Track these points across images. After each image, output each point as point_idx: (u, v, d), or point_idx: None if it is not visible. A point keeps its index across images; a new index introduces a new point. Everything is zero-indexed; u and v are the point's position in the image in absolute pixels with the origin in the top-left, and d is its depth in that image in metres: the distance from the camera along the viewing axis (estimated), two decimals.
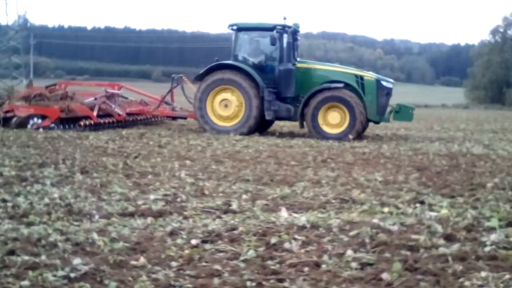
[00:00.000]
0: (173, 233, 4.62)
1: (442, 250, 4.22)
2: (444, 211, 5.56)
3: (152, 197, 5.97)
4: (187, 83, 17.03)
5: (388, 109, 15.06)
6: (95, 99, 15.29)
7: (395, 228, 4.85)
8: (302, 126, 14.60)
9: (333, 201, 6.05)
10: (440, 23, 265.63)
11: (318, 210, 5.55)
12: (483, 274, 3.69)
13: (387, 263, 3.88)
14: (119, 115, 15.38)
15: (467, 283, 3.56)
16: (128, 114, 16.06)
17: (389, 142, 13.33)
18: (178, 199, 5.94)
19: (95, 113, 14.59)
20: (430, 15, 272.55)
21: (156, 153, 9.80)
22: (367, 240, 4.41)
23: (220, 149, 10.66)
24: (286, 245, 4.33)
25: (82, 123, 14.01)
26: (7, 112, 14.40)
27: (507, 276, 3.66)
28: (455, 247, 4.31)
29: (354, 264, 3.89)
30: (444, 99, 63.29)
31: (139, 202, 5.74)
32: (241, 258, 4.03)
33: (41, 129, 13.42)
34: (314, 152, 10.50)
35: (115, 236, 4.47)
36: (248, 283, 3.54)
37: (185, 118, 16.99)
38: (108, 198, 5.92)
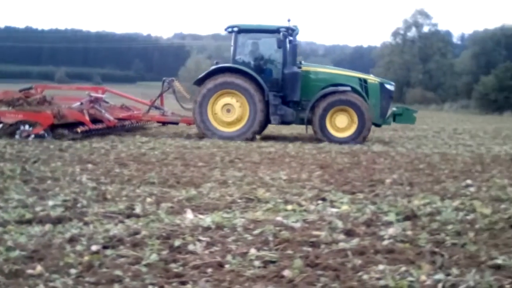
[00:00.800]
0: (72, 240, 4.44)
1: (342, 245, 4.34)
2: (344, 207, 5.74)
3: (51, 203, 5.71)
4: (178, 86, 16.05)
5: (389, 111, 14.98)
6: (81, 103, 13.84)
7: (297, 225, 4.94)
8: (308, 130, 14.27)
9: (239, 200, 6.06)
10: (344, 25, 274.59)
11: (223, 211, 5.54)
12: (380, 267, 3.83)
13: (289, 260, 3.93)
14: (109, 120, 14.02)
15: (365, 276, 3.67)
16: (118, 119, 14.75)
17: (295, 141, 13.57)
18: (79, 205, 5.72)
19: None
20: (333, 18, 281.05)
21: (56, 157, 9.40)
22: (270, 238, 4.46)
23: (124, 151, 10.41)
24: (190, 247, 4.28)
25: (79, 129, 12.69)
26: None
27: (403, 268, 3.82)
28: (355, 241, 4.45)
29: (257, 263, 3.91)
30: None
31: (37, 209, 5.47)
32: (143, 262, 3.94)
33: (31, 137, 12.07)
34: (222, 153, 10.50)
35: (11, 245, 4.24)
36: (150, 287, 3.48)
37: (177, 123, 15.81)
38: (5, 205, 5.60)
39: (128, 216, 5.32)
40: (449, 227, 5.04)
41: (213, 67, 14.36)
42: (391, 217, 5.34)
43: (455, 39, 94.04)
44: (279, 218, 5.14)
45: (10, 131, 12.27)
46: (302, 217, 5.25)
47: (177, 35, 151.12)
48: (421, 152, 12.02)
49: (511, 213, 5.73)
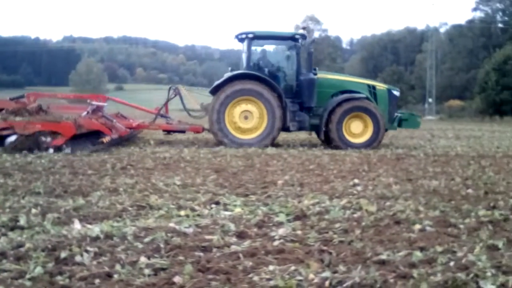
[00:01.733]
0: None
1: (234, 248, 4.35)
2: (237, 210, 5.77)
3: None
4: (185, 93, 15.73)
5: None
6: (88, 112, 12.92)
7: (190, 230, 4.89)
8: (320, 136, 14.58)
9: (130, 208, 5.91)
10: (238, 30, 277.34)
11: (113, 219, 5.38)
12: (271, 267, 3.88)
13: (180, 266, 3.88)
14: (121, 130, 13.24)
15: (256, 278, 3.70)
16: (129, 128, 14.14)
17: (191, 146, 13.50)
18: None
19: None
20: (228, 22, 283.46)
21: None
22: (161, 245, 4.38)
23: (9, 160, 9.84)
24: (77, 258, 4.10)
25: (105, 140, 12.11)
26: (2, 129, 11.74)
27: (293, 268, 3.88)
28: (246, 244, 4.48)
29: (147, 271, 3.82)
30: None
31: None
32: (28, 276, 3.73)
33: (51, 150, 11.26)
34: (114, 160, 10.22)
35: None
36: None
37: (183, 132, 15.22)
38: None
39: (12, 229, 5.01)
40: (337, 225, 5.22)
41: (230, 73, 14.35)
42: (282, 217, 5.43)
43: (345, 45, 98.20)
44: (171, 224, 5.06)
45: (27, 143, 11.38)
46: (195, 222, 5.21)
47: (67, 38, 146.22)
48: (312, 153, 12.38)
49: (396, 210, 6.02)
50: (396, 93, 15.51)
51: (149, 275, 3.76)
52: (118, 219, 5.41)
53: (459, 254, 4.35)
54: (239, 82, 13.96)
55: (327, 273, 3.76)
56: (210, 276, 3.73)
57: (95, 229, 4.87)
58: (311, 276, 3.72)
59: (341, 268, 3.92)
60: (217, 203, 6.20)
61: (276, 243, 4.56)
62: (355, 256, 4.27)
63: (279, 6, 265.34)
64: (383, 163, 10.82)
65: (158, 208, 5.90)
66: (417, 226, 5.28)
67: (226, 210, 5.84)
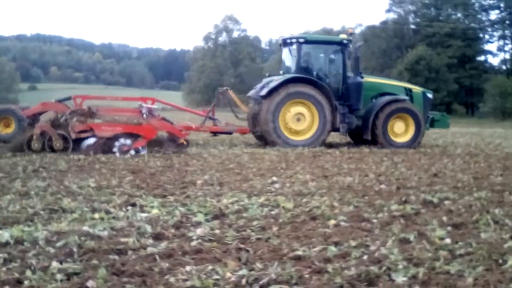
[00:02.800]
0: None
1: (150, 249, 4.28)
2: (154, 211, 5.68)
3: None
4: (232, 96, 16.07)
5: None
6: (143, 115, 12.38)
7: (105, 233, 4.77)
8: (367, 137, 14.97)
9: (42, 212, 5.68)
10: (157, 28, 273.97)
11: (24, 224, 5.15)
12: (188, 268, 3.84)
13: (94, 270, 3.77)
14: (181, 132, 12.73)
15: (172, 279, 3.65)
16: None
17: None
18: None
19: None
20: (146, 20, 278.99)
21: None
22: (75, 249, 4.23)
23: None
24: None
25: (184, 141, 12.35)
26: (81, 132, 11.63)
27: (210, 267, 3.86)
28: (163, 245, 4.42)
29: (59, 276, 3.68)
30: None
31: None
32: None
33: (132, 152, 11.36)
34: (25, 162, 9.81)
35: None
36: None
37: (231, 133, 15.55)
38: None
39: None
40: (255, 223, 5.25)
41: (282, 77, 14.81)
42: (200, 217, 5.41)
43: (264, 45, 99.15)
44: (85, 228, 4.90)
45: (106, 146, 11.53)
46: (110, 225, 5.08)
47: None
48: (232, 152, 12.42)
49: (312, 206, 6.15)
50: (430, 95, 16.43)
51: (61, 280, 3.63)
52: (29, 223, 5.19)
53: (372, 247, 4.49)
54: (293, 85, 14.48)
55: (244, 271, 3.78)
56: (125, 279, 3.64)
57: (5, 234, 4.65)
58: (228, 274, 3.72)
59: (258, 265, 3.94)
60: (133, 204, 6.08)
61: (193, 243, 4.52)
62: (272, 253, 4.31)
63: (198, 5, 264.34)
64: (301, 161, 11.02)
65: (71, 211, 5.71)
66: (332, 222, 5.41)
67: (142, 211, 5.74)
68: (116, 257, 4.12)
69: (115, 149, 11.48)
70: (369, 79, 15.95)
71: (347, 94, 15.16)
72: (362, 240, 4.70)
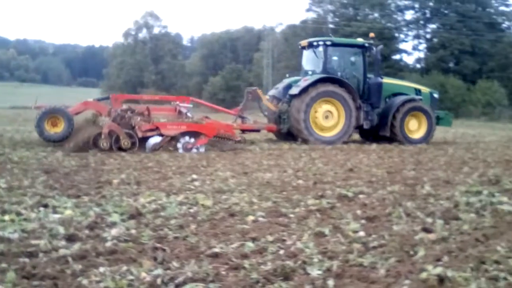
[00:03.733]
0: None
1: (62, 251, 4.15)
2: (68, 212, 5.51)
3: None
4: (261, 95, 16.62)
5: None
6: (186, 114, 13.62)
7: (15, 235, 4.57)
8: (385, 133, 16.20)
9: None
10: (74, 24, 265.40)
11: None
12: (101, 269, 3.75)
13: (2, 274, 3.61)
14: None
15: (85, 281, 3.56)
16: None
17: (18, 147, 12.55)
18: None
19: None
20: (64, 16, 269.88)
21: None
22: None
23: None
24: None
25: (241, 139, 13.49)
26: (147, 131, 12.12)
27: (125, 268, 3.79)
28: (76, 246, 4.29)
29: None
30: (82, 100, 63.47)
31: None
32: None
33: (194, 150, 12.15)
34: None
35: None
36: None
37: (259, 131, 16.33)
38: None
39: None
40: (172, 221, 5.20)
41: (312, 77, 15.71)
42: (115, 217, 5.28)
43: (185, 42, 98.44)
44: None
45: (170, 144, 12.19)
46: (21, 227, 4.87)
47: None
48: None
49: (231, 202, 6.17)
50: (436, 95, 17.93)
51: None
52: None
53: (289, 242, 4.57)
54: (322, 85, 15.48)
55: (159, 271, 3.73)
56: (36, 283, 3.52)
57: None
58: (143, 274, 3.66)
59: (175, 264, 3.91)
60: (46, 205, 5.85)
61: (108, 244, 4.42)
62: (189, 251, 4.29)
63: (118, 1, 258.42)
64: (221, 158, 11.02)
65: None
66: (251, 218, 5.46)
67: (55, 212, 5.53)
68: (27, 260, 3.96)
69: (179, 146, 12.17)
70: (387, 80, 17.27)
71: (368, 94, 16.48)
72: (279, 235, 4.77)
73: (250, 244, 4.47)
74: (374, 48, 16.59)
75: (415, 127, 16.39)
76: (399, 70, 62.15)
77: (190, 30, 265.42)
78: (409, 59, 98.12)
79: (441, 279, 3.70)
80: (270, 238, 4.66)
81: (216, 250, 4.30)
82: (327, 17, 69.45)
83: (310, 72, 16.71)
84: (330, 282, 3.65)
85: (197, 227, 5.05)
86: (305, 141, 15.06)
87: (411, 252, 4.39)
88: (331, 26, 67.26)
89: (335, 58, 16.75)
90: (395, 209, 5.97)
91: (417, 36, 67.19)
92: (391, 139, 15.98)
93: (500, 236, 5.06)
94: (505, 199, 6.81)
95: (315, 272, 3.86)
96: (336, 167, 9.74)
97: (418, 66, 66.03)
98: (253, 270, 3.82)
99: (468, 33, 59.53)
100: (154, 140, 12.15)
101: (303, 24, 68.05)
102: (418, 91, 17.33)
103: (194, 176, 8.22)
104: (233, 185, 7.39)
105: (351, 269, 3.97)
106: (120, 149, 11.72)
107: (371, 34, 17.43)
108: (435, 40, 63.49)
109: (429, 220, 5.51)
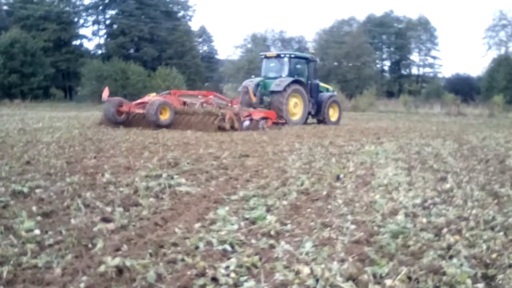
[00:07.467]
0: None
1: None
2: None
3: None
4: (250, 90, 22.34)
5: None
6: (227, 104, 19.91)
7: None
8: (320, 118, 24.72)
9: None
10: None
11: None
12: None
13: None
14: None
15: None
16: None
17: None
18: None
19: None
20: None
21: None
22: None
23: None
24: None
25: (283, 121, 21.43)
26: (246, 116, 18.45)
27: None
28: None
29: None
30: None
31: None
32: None
33: (266, 128, 18.73)
34: None
35: None
36: None
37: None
38: None
39: None
40: None
41: (287, 79, 22.68)
42: None
43: None
44: None
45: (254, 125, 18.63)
46: None
47: None
48: None
49: None
50: (335, 92, 27.87)
51: None
52: None
53: None
54: (293, 85, 22.80)
55: None
56: None
57: None
58: None
59: None
60: None
61: None
62: None
63: None
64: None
65: None
66: None
67: None
68: None
69: (260, 126, 18.68)
70: (319, 83, 25.38)
71: (311, 91, 23.98)
72: None
73: None
74: (317, 60, 25.75)
75: (332, 113, 24.76)
76: (80, 56, 61.16)
77: None
78: (90, 45, 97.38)
79: (120, 270, 3.66)
80: None
81: None
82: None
83: (278, 76, 23.22)
84: None
85: None
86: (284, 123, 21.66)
87: (90, 245, 4.26)
88: (5, 8, 62.32)
89: (298, 66, 23.98)
90: (73, 201, 5.73)
91: (96, 22, 66.91)
92: (322, 121, 24.17)
93: (178, 218, 5.30)
94: (183, 180, 7.21)
95: None
96: (12, 161, 8.87)
97: (99, 52, 65.95)
98: None
99: (146, 21, 61.77)
100: (246, 123, 18.26)
101: None
102: (327, 89, 25.73)
103: None
104: None
105: (24, 272, 3.66)
106: (233, 128, 17.25)
107: (313, 51, 27.27)
108: (115, 26, 64.15)
109: (109, 209, 5.46)
